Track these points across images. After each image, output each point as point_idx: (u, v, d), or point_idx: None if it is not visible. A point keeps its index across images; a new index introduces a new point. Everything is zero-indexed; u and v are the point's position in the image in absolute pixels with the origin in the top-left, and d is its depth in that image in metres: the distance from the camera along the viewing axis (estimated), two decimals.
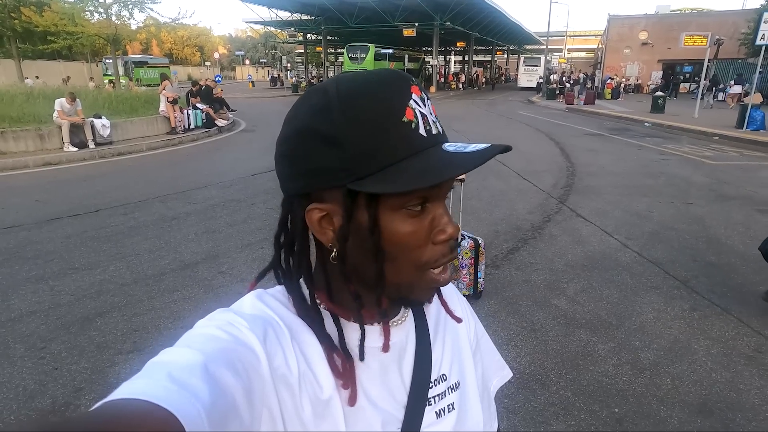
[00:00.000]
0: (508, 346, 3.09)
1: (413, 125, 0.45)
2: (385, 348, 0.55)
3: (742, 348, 3.08)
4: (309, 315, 0.52)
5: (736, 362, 2.93)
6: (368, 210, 0.46)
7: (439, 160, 0.45)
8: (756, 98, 13.53)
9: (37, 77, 22.31)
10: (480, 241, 3.64)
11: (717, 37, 17.50)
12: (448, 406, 0.59)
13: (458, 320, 0.64)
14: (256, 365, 0.44)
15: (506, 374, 0.75)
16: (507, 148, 0.44)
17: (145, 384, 0.35)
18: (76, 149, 9.32)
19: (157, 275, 4.01)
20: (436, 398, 0.58)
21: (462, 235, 3.67)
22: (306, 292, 0.53)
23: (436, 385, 0.58)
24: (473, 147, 0.45)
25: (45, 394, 2.57)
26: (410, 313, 0.59)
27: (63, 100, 9.40)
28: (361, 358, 0.52)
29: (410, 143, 0.45)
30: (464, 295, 3.61)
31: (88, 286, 3.81)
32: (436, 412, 0.57)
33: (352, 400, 0.50)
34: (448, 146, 0.47)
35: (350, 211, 0.47)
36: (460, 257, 3.59)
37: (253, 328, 0.46)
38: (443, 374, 0.60)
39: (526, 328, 3.30)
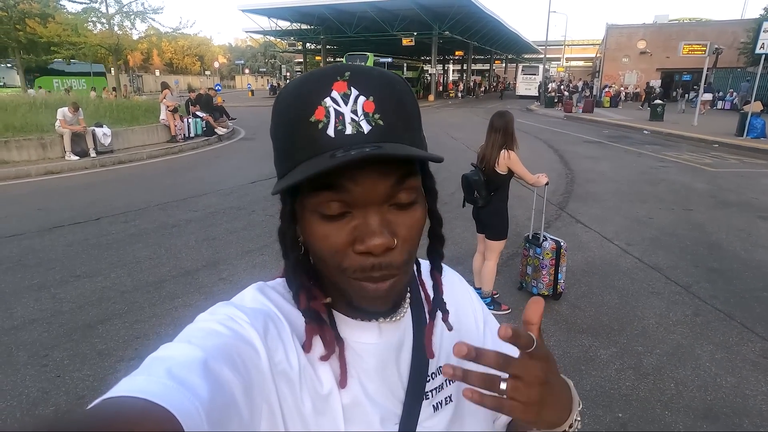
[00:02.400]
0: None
1: (320, 125, 0.43)
2: (429, 354, 0.56)
3: (747, 353, 3.08)
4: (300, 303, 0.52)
5: (741, 367, 2.92)
6: (285, 208, 0.48)
7: (321, 162, 0.42)
8: (756, 106, 13.60)
9: (39, 87, 22.42)
10: (562, 243, 3.69)
11: (716, 46, 17.62)
12: (446, 398, 0.59)
13: (449, 328, 0.59)
14: (256, 361, 0.44)
15: None
16: (402, 156, 0.42)
17: (145, 380, 0.35)
18: (77, 158, 9.37)
19: (158, 282, 4.01)
20: (433, 392, 0.58)
21: (544, 236, 3.71)
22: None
23: (432, 378, 0.58)
24: (357, 151, 0.41)
25: (48, 401, 2.56)
26: (408, 308, 0.58)
27: (65, 109, 9.46)
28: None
29: (313, 145, 0.43)
30: (543, 295, 3.63)
31: (89, 293, 3.81)
32: (433, 406, 0.57)
33: (342, 382, 0.50)
34: (354, 149, 0.42)
35: (286, 210, 0.49)
36: (541, 258, 3.65)
37: (254, 323, 0.46)
38: (440, 367, 0.59)
39: None
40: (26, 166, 8.62)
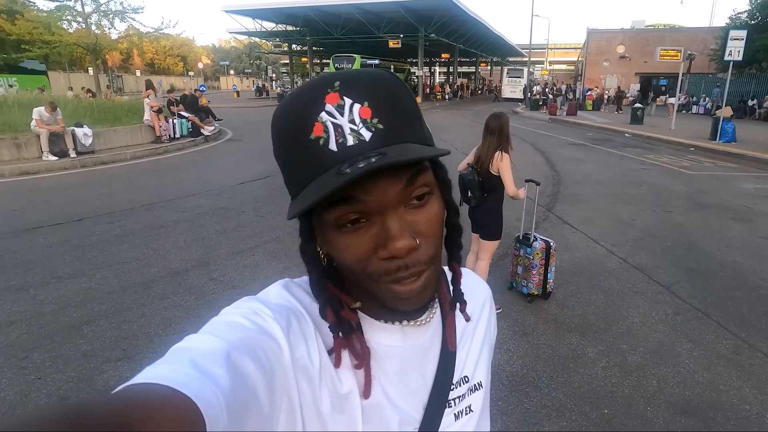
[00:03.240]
0: (500, 349, 3.12)
1: (321, 141, 0.42)
2: (452, 346, 0.57)
3: (722, 350, 3.18)
4: (325, 305, 0.51)
5: (716, 364, 3.02)
6: (303, 227, 0.48)
7: (328, 182, 0.42)
8: (726, 111, 14.04)
9: (11, 86, 21.83)
10: (552, 244, 3.75)
11: (689, 52, 18.13)
12: (467, 408, 0.59)
13: (466, 318, 0.61)
14: (279, 355, 0.44)
15: None
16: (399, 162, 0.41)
17: (168, 369, 0.36)
18: (56, 158, 9.14)
19: (146, 283, 3.95)
20: (456, 400, 0.58)
21: (534, 236, 3.76)
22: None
23: (457, 387, 0.58)
24: (363, 163, 0.41)
25: (27, 404, 2.50)
26: (437, 313, 0.58)
27: (41, 108, 9.21)
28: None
29: (318, 162, 0.43)
30: (533, 295, 3.72)
31: (73, 294, 3.73)
32: (454, 414, 0.58)
33: (366, 392, 0.50)
34: (360, 160, 0.42)
35: (301, 228, 0.49)
36: (531, 257, 3.69)
37: (277, 318, 0.47)
38: (465, 376, 0.60)
39: (518, 332, 3.35)
40: None
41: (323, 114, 0.42)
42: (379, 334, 0.53)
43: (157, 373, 0.35)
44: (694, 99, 28.23)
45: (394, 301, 0.47)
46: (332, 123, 0.42)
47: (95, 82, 24.55)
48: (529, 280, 3.75)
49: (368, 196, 0.43)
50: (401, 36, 29.47)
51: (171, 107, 12.88)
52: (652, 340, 3.29)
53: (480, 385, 0.61)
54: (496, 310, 3.23)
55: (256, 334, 0.44)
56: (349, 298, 0.52)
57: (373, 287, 0.47)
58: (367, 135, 0.43)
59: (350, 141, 0.42)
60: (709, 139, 13.65)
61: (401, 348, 0.54)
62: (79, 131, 9.73)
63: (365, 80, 0.44)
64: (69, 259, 4.40)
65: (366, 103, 0.43)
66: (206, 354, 0.38)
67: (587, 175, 8.95)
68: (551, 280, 3.81)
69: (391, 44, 30.01)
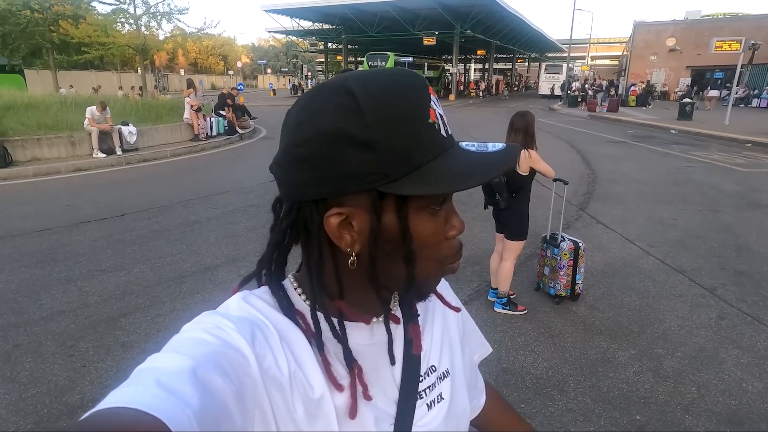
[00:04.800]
0: (524, 351, 3.05)
1: (436, 126, 0.46)
2: (417, 348, 0.58)
3: None
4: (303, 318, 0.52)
5: None
6: (398, 212, 0.46)
7: (474, 160, 0.47)
8: None
9: (71, 86, 23.18)
10: (580, 244, 3.64)
11: (752, 41, 16.95)
12: (438, 396, 0.59)
13: (456, 310, 0.65)
14: (246, 367, 0.44)
15: (486, 350, 0.78)
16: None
17: (134, 391, 0.35)
18: (104, 155, 9.66)
19: (179, 278, 4.11)
20: (426, 390, 0.58)
21: (562, 236, 3.68)
22: (291, 292, 0.54)
23: (425, 378, 0.59)
24: (492, 146, 0.48)
25: (74, 390, 2.66)
26: (396, 308, 0.59)
27: (93, 108, 9.77)
28: (392, 362, 0.55)
29: (437, 144, 0.46)
30: (560, 296, 3.63)
31: (113, 287, 3.93)
32: (427, 404, 0.58)
33: (352, 413, 0.50)
34: (467, 145, 0.49)
35: (380, 215, 0.46)
36: (558, 258, 3.61)
37: (241, 330, 0.46)
38: (432, 365, 0.60)
39: (544, 334, 3.26)
40: (56, 163, 8.93)
41: (432, 102, 0.47)
42: (350, 335, 0.53)
43: (123, 396, 0.34)
44: (756, 92, 26.49)
45: (435, 284, 0.53)
46: (438, 113, 0.47)
47: (143, 82, 25.77)
48: (556, 281, 3.64)
49: None
50: (436, 33, 29.23)
51: (226, 108, 13.22)
52: (691, 345, 3.12)
53: (447, 372, 0.62)
54: (521, 311, 3.14)
55: (220, 348, 0.43)
56: (335, 309, 0.52)
57: (435, 273, 0.51)
58: (449, 131, 0.49)
59: (448, 131, 0.49)
60: None
61: (370, 345, 0.55)
62: (124, 129, 10.24)
63: None
64: (111, 254, 4.64)
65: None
66: (172, 373, 0.37)
67: (625, 174, 8.58)
68: (580, 282, 3.68)
69: (426, 41, 29.83)
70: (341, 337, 0.51)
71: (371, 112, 0.44)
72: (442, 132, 0.47)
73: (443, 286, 0.68)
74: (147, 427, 0.31)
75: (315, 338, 0.50)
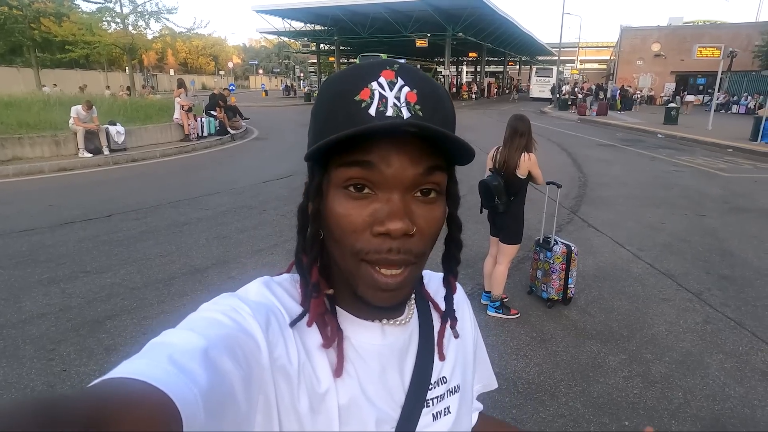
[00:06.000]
0: (517, 355, 3.05)
1: (363, 104, 0.44)
2: (441, 357, 0.58)
3: (757, 363, 3.01)
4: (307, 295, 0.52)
5: (750, 377, 2.86)
6: (318, 185, 0.48)
7: (359, 123, 0.44)
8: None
9: (54, 85, 22.80)
10: (573, 248, 3.65)
11: (730, 49, 17.33)
12: (445, 409, 0.58)
13: (455, 335, 0.62)
14: (257, 354, 0.44)
15: (491, 384, 0.76)
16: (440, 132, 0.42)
17: (146, 364, 0.35)
18: (90, 155, 9.50)
19: (168, 279, 4.05)
20: (434, 400, 0.57)
21: (555, 240, 3.68)
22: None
23: (435, 387, 0.58)
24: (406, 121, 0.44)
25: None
26: (415, 313, 0.58)
27: (79, 107, 9.60)
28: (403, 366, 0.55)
29: (352, 118, 0.44)
30: (553, 300, 3.63)
31: (98, 289, 3.85)
32: (432, 414, 0.57)
33: (338, 371, 0.50)
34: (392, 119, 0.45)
35: (309, 181, 0.50)
36: (551, 262, 3.61)
37: (257, 316, 0.46)
38: (443, 376, 0.59)
39: (536, 338, 3.26)
40: (39, 163, 8.75)
41: (374, 83, 0.45)
42: (360, 331, 0.53)
43: (134, 368, 0.35)
44: (735, 98, 27.05)
45: (370, 290, 0.47)
46: (379, 93, 0.44)
47: (131, 81, 25.45)
48: (549, 285, 3.65)
49: (387, 167, 0.44)
50: (428, 35, 29.31)
51: (218, 108, 13.10)
52: (678, 349, 3.15)
53: (458, 387, 0.61)
54: (514, 315, 3.16)
55: (234, 332, 0.43)
56: (325, 283, 0.52)
57: (355, 267, 0.47)
58: (405, 114, 0.44)
59: (389, 112, 0.44)
60: (750, 140, 13.06)
61: (381, 346, 0.54)
62: (112, 129, 10.09)
63: (421, 74, 0.47)
64: (97, 255, 4.55)
65: (415, 90, 0.45)
66: (185, 351, 0.38)
67: (615, 177, 8.67)
68: (572, 285, 3.70)
69: (418, 43, 29.89)
70: (329, 312, 0.52)
71: (320, 90, 0.50)
72: (371, 111, 0.44)
73: (461, 301, 0.67)
74: (154, 401, 0.32)
75: (314, 290, 0.51)
